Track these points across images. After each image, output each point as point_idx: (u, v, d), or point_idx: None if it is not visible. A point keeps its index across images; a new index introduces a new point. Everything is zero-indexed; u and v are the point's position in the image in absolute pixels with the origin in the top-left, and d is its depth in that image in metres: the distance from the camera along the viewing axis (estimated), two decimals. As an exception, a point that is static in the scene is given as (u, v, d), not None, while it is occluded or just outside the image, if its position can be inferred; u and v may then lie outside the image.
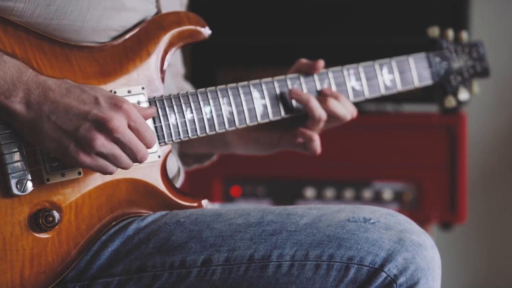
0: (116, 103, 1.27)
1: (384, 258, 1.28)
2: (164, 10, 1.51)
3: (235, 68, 2.90)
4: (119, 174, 1.36)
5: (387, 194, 2.74)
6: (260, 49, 2.90)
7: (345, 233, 1.31)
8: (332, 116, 1.57)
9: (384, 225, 1.32)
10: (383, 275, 1.28)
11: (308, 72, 1.59)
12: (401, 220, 1.34)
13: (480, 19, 3.07)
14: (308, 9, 2.84)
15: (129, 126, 1.28)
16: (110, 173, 1.29)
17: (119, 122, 1.25)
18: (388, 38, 2.77)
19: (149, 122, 1.40)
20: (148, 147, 1.31)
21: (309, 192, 2.79)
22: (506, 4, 3.19)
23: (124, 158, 1.28)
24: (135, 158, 1.29)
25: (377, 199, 2.75)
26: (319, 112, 1.55)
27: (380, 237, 1.30)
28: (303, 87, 1.57)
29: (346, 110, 1.58)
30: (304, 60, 1.61)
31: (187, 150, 1.73)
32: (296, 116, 1.58)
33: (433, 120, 2.68)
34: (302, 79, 1.57)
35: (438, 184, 2.70)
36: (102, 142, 1.25)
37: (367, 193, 2.76)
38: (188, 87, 1.77)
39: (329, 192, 2.77)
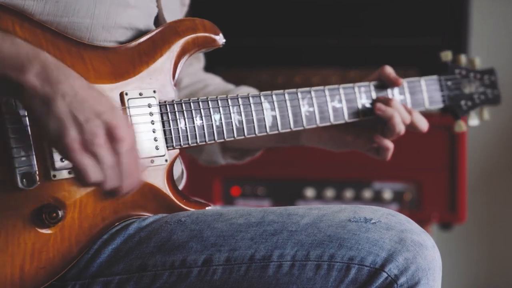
0: (129, 123, 1.26)
1: (385, 258, 1.28)
2: (165, 9, 1.52)
3: (235, 68, 2.90)
4: None
5: (387, 194, 2.74)
6: (260, 50, 2.90)
7: (346, 233, 1.31)
8: (413, 128, 1.65)
9: (385, 225, 1.32)
10: (384, 275, 1.28)
11: (388, 83, 1.65)
12: (402, 220, 1.34)
13: (480, 19, 3.07)
14: (309, 10, 2.85)
15: (133, 149, 1.25)
16: (87, 181, 1.22)
17: (126, 136, 1.22)
18: (388, 40, 2.77)
19: (158, 125, 1.40)
20: (133, 184, 1.26)
21: (309, 192, 2.79)
22: (506, 4, 3.19)
23: (114, 174, 1.23)
24: (122, 183, 1.24)
25: (377, 199, 2.75)
26: (400, 128, 1.61)
27: (381, 237, 1.30)
28: (314, 101, 1.58)
29: (426, 123, 1.66)
30: (390, 70, 1.65)
31: (251, 144, 1.75)
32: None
33: (433, 120, 2.68)
34: (313, 93, 1.58)
35: (438, 184, 2.70)
36: (103, 143, 1.21)
37: (367, 193, 2.76)
38: (217, 80, 1.82)
39: (329, 192, 2.77)
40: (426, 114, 2.79)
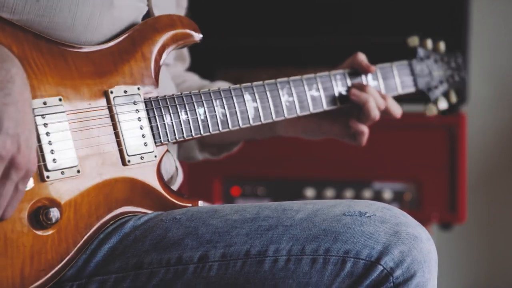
0: (35, 157, 1.23)
1: (380, 251, 1.28)
2: (155, 8, 1.52)
3: (235, 68, 2.90)
4: (116, 173, 1.36)
5: (387, 194, 2.74)
6: (260, 49, 2.90)
7: (341, 227, 1.31)
8: (388, 113, 1.69)
9: (379, 218, 1.31)
10: (380, 268, 1.28)
11: (361, 70, 1.68)
12: (396, 214, 1.34)
13: (480, 19, 3.07)
14: (308, 10, 2.85)
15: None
16: None
17: (26, 169, 1.21)
18: (388, 39, 2.77)
19: (145, 122, 1.41)
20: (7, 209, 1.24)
21: (309, 192, 2.79)
22: (506, 4, 3.19)
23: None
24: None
25: (377, 199, 2.74)
26: (375, 113, 1.65)
27: (376, 231, 1.30)
28: (293, 91, 1.60)
29: (399, 109, 1.70)
30: (362, 57, 1.69)
31: (227, 138, 1.77)
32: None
33: (433, 120, 2.68)
34: (291, 83, 1.60)
35: (438, 184, 2.70)
36: (3, 166, 1.18)
37: (367, 193, 2.75)
38: (194, 77, 1.83)
39: (329, 192, 2.77)
40: (426, 115, 2.79)
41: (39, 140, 1.30)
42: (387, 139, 2.73)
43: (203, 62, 2.93)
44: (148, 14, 1.51)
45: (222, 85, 1.76)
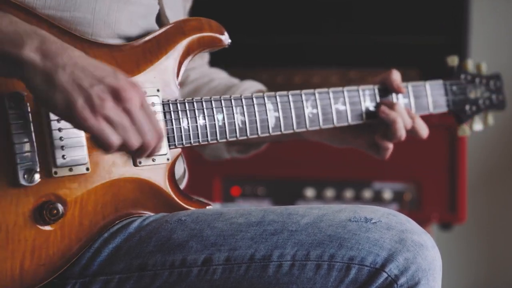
0: (134, 83, 1.26)
1: (385, 258, 1.29)
2: (166, 6, 1.52)
3: (234, 68, 2.90)
4: (126, 173, 1.36)
5: (387, 194, 2.74)
6: (261, 49, 2.90)
7: (346, 233, 1.31)
8: (414, 134, 1.67)
9: (385, 225, 1.32)
10: (384, 275, 1.28)
11: (391, 89, 1.66)
12: (402, 220, 1.34)
13: (480, 19, 3.07)
14: (310, 8, 2.84)
15: (143, 106, 1.26)
16: (110, 146, 1.24)
17: (133, 96, 1.23)
18: (388, 39, 2.77)
19: (161, 124, 1.40)
20: (158, 135, 1.28)
21: (309, 192, 2.78)
22: (506, 4, 3.19)
23: (132, 132, 1.24)
24: (143, 140, 1.26)
25: (377, 199, 2.74)
26: (401, 133, 1.63)
27: (381, 237, 1.30)
28: (317, 103, 1.58)
29: (426, 130, 1.68)
30: (395, 76, 1.66)
31: (252, 139, 1.75)
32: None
33: (433, 120, 2.68)
34: (317, 95, 1.58)
35: (438, 184, 2.70)
36: (113, 105, 1.22)
37: (367, 193, 2.75)
38: (222, 75, 1.84)
39: (329, 192, 2.77)
40: (426, 114, 2.80)
41: (50, 136, 1.31)
42: (387, 139, 2.73)
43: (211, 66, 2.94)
44: (160, 12, 1.51)
45: (251, 85, 1.76)
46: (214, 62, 3.01)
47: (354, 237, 1.30)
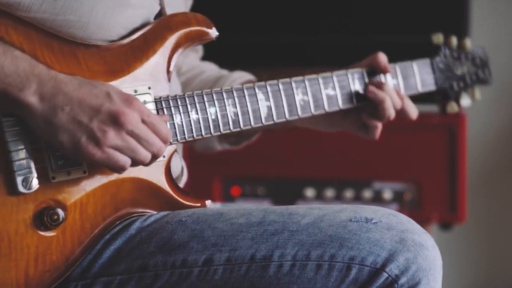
0: (128, 99, 1.29)
1: (385, 258, 1.29)
2: (168, 7, 1.51)
3: (234, 67, 2.90)
4: (123, 173, 1.36)
5: (387, 194, 2.74)
6: (260, 49, 2.90)
7: (347, 233, 1.31)
8: (403, 114, 1.67)
9: (386, 225, 1.32)
10: (385, 275, 1.28)
11: (378, 70, 1.66)
12: (403, 220, 1.34)
13: (480, 19, 3.07)
14: (312, 7, 2.84)
15: (143, 121, 1.29)
16: (122, 168, 1.29)
17: (132, 116, 1.27)
18: (388, 37, 2.77)
19: None
20: (164, 141, 1.32)
21: (309, 192, 2.78)
22: (506, 5, 3.19)
23: (141, 150, 1.29)
24: (152, 151, 1.30)
25: (377, 199, 2.75)
26: (390, 112, 1.64)
27: (382, 237, 1.30)
28: (308, 90, 1.59)
29: (416, 111, 1.69)
30: (382, 58, 1.67)
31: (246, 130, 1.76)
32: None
33: (433, 120, 2.68)
34: (307, 82, 1.59)
35: (438, 184, 2.70)
36: (114, 134, 1.25)
37: (367, 193, 2.75)
38: (212, 66, 1.84)
39: (329, 192, 2.77)
40: (426, 114, 2.81)
41: (45, 141, 1.30)
42: (387, 139, 2.72)
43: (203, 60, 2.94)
44: (160, 13, 1.50)
45: (240, 75, 1.76)
46: (215, 62, 3.01)
47: (355, 237, 1.30)
